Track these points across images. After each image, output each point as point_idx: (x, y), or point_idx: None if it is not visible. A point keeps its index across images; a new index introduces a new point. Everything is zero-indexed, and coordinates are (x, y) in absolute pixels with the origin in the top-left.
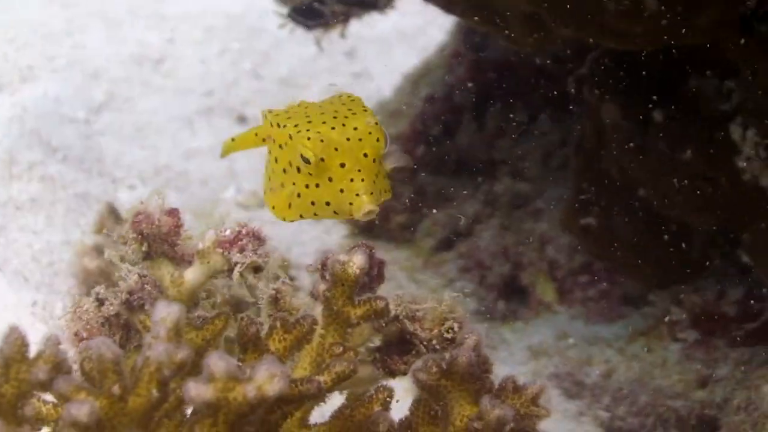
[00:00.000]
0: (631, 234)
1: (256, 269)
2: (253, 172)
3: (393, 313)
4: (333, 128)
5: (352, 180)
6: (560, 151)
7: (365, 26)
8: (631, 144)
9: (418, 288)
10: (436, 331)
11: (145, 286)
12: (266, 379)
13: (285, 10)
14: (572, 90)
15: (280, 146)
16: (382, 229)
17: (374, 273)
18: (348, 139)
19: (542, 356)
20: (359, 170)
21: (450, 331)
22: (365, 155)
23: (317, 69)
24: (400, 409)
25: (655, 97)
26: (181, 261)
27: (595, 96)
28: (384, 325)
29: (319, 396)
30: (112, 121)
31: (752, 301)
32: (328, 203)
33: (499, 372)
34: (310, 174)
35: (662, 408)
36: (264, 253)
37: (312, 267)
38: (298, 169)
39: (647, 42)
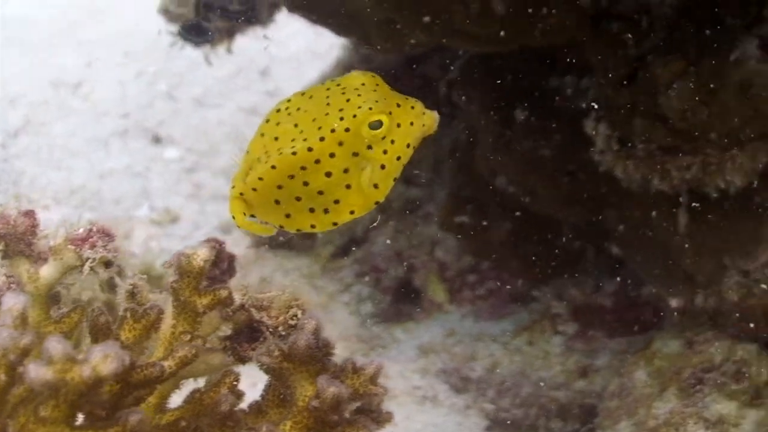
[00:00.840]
0: (504, 231)
1: (107, 264)
2: (166, 191)
3: (240, 302)
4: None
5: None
6: (450, 156)
7: (280, 47)
8: (498, 143)
9: (317, 294)
10: (281, 318)
11: (11, 285)
12: (100, 360)
13: (175, 28)
14: (444, 93)
15: (332, 155)
16: (284, 238)
17: (225, 266)
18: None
19: (431, 353)
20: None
21: (294, 317)
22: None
23: (232, 88)
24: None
25: (517, 98)
26: (38, 259)
27: (464, 99)
28: (232, 314)
29: (162, 378)
30: (29, 145)
31: (627, 292)
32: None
33: (390, 370)
34: (383, 138)
35: (544, 398)
36: (114, 248)
37: (167, 263)
38: (370, 147)
39: (497, 44)
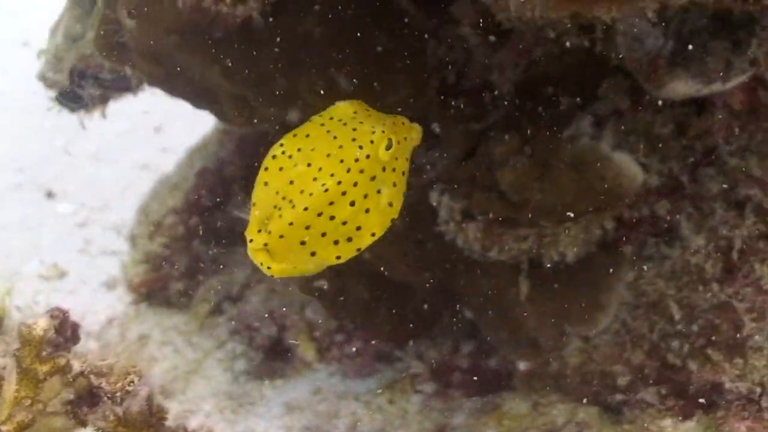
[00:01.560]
0: (362, 294)
1: None
2: (56, 245)
3: (80, 369)
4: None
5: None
6: None
7: (175, 104)
8: None
9: (194, 350)
10: (119, 384)
11: None
12: None
13: (53, 94)
14: None
15: (355, 184)
16: (162, 296)
17: (68, 334)
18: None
19: (296, 411)
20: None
21: (131, 383)
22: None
23: (127, 144)
24: None
25: None
26: None
27: None
28: (72, 380)
29: None
30: None
31: (482, 353)
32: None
33: (257, 428)
34: (397, 159)
35: None
36: None
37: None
38: (384, 168)
39: None
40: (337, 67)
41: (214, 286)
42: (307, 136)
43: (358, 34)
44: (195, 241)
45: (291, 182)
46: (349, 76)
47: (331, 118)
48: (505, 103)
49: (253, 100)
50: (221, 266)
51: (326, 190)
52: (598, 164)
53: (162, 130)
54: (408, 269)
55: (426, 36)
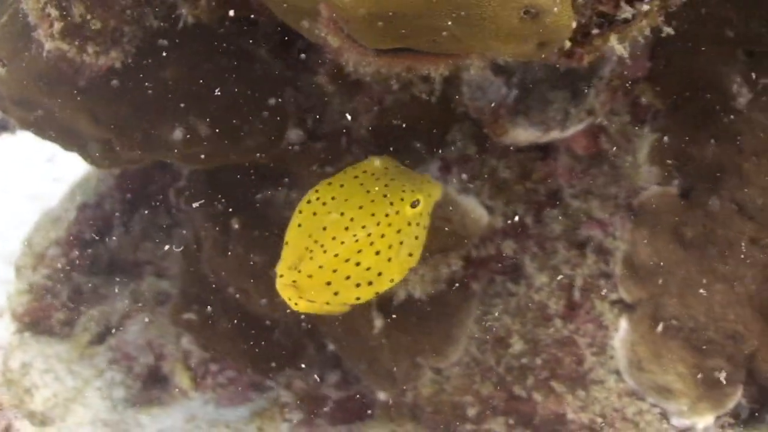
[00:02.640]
0: (228, 327)
1: None
2: None
3: None
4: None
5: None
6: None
7: None
8: (217, 248)
9: (74, 379)
10: None
11: None
12: None
13: None
14: (174, 201)
15: (382, 236)
16: (45, 325)
17: None
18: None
19: None
20: None
21: None
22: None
23: (19, 174)
24: None
25: (235, 207)
26: None
27: (190, 206)
28: None
29: None
30: None
31: (347, 384)
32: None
33: None
34: (420, 214)
35: None
36: None
37: None
38: (409, 223)
39: (205, 162)
40: (196, 114)
41: (95, 316)
42: (342, 186)
43: (217, 82)
44: (76, 272)
45: (324, 228)
46: (208, 122)
47: (365, 172)
48: (360, 147)
49: (117, 145)
50: (101, 297)
51: (356, 240)
52: (445, 207)
53: (54, 160)
54: (268, 303)
55: (283, 84)
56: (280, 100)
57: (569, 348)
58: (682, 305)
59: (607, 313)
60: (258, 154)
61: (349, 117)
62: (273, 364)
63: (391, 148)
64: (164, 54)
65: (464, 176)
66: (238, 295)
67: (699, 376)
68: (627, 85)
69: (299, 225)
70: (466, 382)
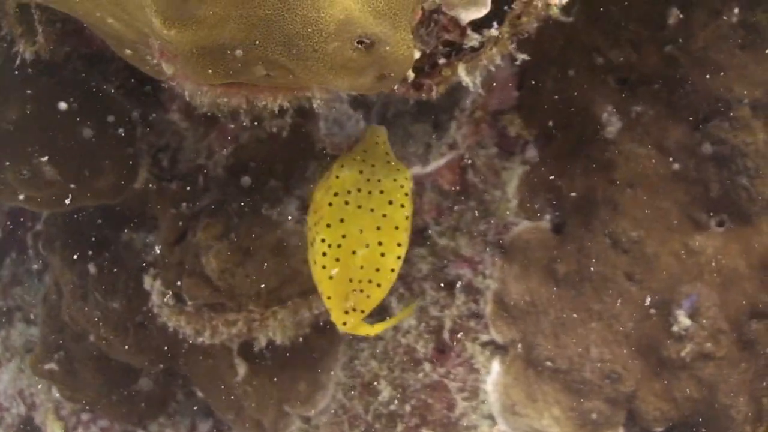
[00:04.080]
0: (92, 376)
1: None
2: None
3: None
4: None
5: None
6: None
7: None
8: (76, 294)
9: None
10: None
11: None
12: None
13: None
14: (32, 245)
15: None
16: None
17: None
18: None
19: None
20: None
21: None
22: None
23: None
24: None
25: (93, 251)
26: None
27: (48, 251)
28: None
29: None
30: None
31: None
32: None
33: None
34: None
35: None
36: None
37: None
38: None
39: (54, 206)
40: (41, 156)
41: None
42: (342, 221)
43: (64, 122)
44: None
45: (361, 267)
46: (55, 163)
47: (349, 192)
48: (216, 186)
49: None
50: None
51: (399, 258)
52: (303, 248)
53: None
54: (128, 351)
55: (134, 122)
56: (131, 138)
57: (439, 393)
58: (556, 345)
59: (479, 355)
60: (111, 196)
61: (205, 155)
62: (142, 413)
63: (245, 188)
64: (7, 97)
65: None
66: (100, 344)
67: (576, 418)
68: (493, 116)
69: (330, 278)
70: (334, 431)
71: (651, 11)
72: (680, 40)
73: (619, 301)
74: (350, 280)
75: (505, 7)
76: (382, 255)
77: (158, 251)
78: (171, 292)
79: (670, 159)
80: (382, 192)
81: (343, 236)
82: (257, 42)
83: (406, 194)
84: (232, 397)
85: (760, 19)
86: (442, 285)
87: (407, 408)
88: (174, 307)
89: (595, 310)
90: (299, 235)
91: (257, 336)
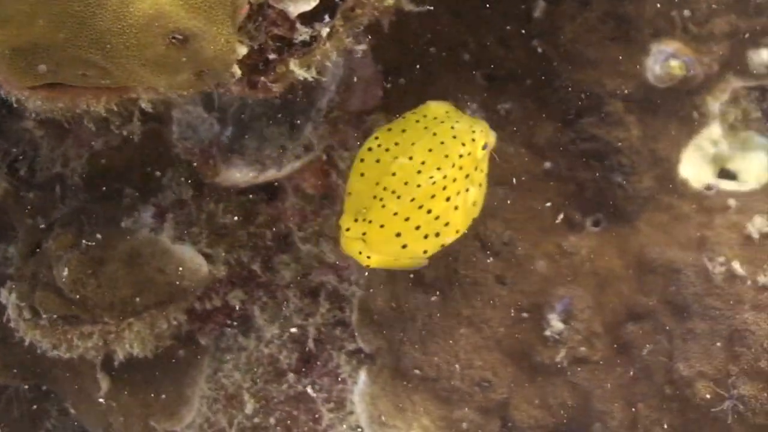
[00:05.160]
0: None
1: None
2: None
3: None
4: None
5: None
6: None
7: None
8: None
9: None
10: None
11: None
12: None
13: None
14: None
15: (454, 180)
16: None
17: None
18: None
19: None
20: None
21: None
22: None
23: None
24: None
25: None
26: None
27: None
28: None
29: None
30: None
31: None
32: None
33: None
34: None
35: None
36: None
37: None
38: (476, 168)
39: None
40: None
41: None
42: (404, 131)
43: None
44: None
45: (393, 174)
46: None
47: (425, 116)
48: (73, 195)
49: None
50: None
51: (433, 183)
52: (158, 257)
53: None
54: None
55: None
56: None
57: (305, 404)
58: (423, 353)
59: (345, 365)
60: None
61: (61, 163)
62: None
63: (100, 196)
64: None
65: (180, 223)
66: None
67: (446, 428)
68: (358, 116)
69: (362, 174)
70: None
71: (518, 3)
72: (548, 34)
73: (489, 305)
74: (377, 183)
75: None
76: (418, 172)
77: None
78: (27, 306)
79: (541, 158)
80: (452, 127)
81: (396, 143)
82: (69, 40)
83: (473, 139)
84: (99, 413)
85: (629, 10)
86: (306, 292)
87: (272, 420)
88: (30, 321)
89: (464, 315)
90: (154, 245)
91: (115, 349)
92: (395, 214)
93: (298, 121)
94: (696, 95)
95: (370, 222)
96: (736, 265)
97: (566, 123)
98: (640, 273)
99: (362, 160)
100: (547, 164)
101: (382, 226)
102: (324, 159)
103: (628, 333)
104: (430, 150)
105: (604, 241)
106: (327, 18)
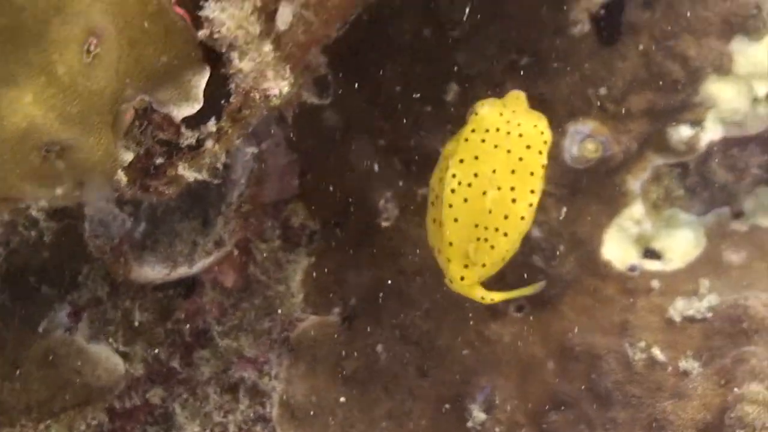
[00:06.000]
0: None
1: None
2: None
3: None
4: None
5: None
6: None
7: None
8: None
9: None
10: None
11: None
12: None
13: None
14: None
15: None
16: None
17: None
18: None
19: None
20: None
21: None
22: None
23: None
24: None
25: None
26: None
27: None
28: None
29: None
30: None
31: None
32: None
33: None
34: None
35: None
36: None
37: None
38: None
39: None
40: None
41: None
42: (476, 158)
43: None
44: None
45: (489, 212)
46: None
47: (487, 130)
48: None
49: None
50: None
51: (531, 206)
52: (73, 358)
53: None
54: None
55: None
56: None
57: None
58: None
59: None
60: None
61: None
62: None
63: (18, 296)
64: None
65: (95, 322)
66: None
67: None
68: (275, 206)
69: (455, 220)
70: None
71: (431, 87)
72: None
73: (410, 397)
74: (476, 226)
75: (223, 101)
76: (513, 201)
77: None
78: None
79: None
80: (520, 135)
81: (475, 175)
82: None
83: (545, 142)
84: None
85: (544, 90)
86: (226, 388)
87: None
88: None
89: (385, 408)
90: (69, 345)
91: None
92: (507, 250)
93: (211, 215)
94: (616, 174)
95: (483, 266)
96: (657, 351)
97: None
98: (563, 360)
99: (450, 206)
100: None
101: (494, 265)
102: (236, 254)
103: (551, 422)
104: (513, 172)
105: (527, 327)
106: (213, 120)
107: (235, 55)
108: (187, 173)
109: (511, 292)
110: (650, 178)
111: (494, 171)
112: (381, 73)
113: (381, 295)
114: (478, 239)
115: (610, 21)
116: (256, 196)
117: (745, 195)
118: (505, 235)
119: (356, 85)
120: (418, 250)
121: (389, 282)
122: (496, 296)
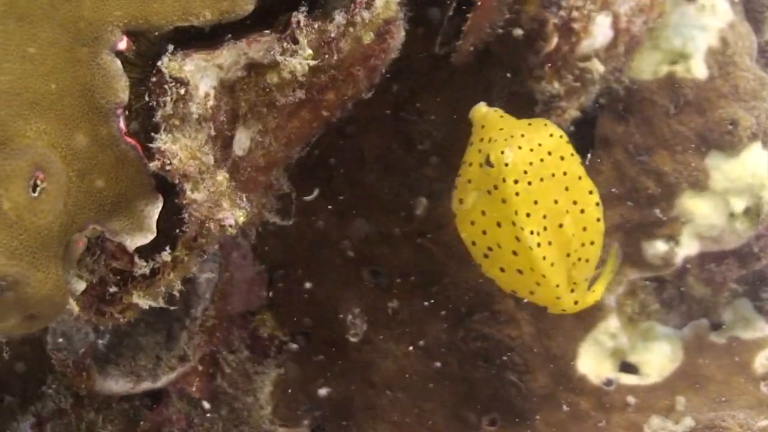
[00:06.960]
0: None
1: None
2: None
3: None
4: None
5: None
6: None
7: None
8: None
9: None
10: None
11: None
12: None
13: None
14: None
15: None
16: None
17: None
18: None
19: None
20: None
21: None
22: None
23: None
24: None
25: None
26: None
27: None
28: None
29: None
30: None
31: None
32: None
33: None
34: None
35: None
36: None
37: None
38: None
39: None
40: None
41: None
42: (536, 203)
43: None
44: None
45: (573, 235)
46: None
47: (525, 172)
48: None
49: None
50: None
51: (598, 204)
52: None
53: None
54: None
55: None
56: None
57: None
58: None
59: None
60: None
61: None
62: None
63: None
64: None
65: None
66: None
67: None
68: (243, 317)
69: (552, 264)
70: None
71: (398, 201)
72: (431, 231)
73: None
74: (567, 255)
75: (178, 231)
76: (582, 212)
77: None
78: None
79: (431, 357)
80: (550, 153)
81: (544, 216)
82: None
83: (562, 137)
84: None
85: None
86: None
87: None
88: None
89: None
90: None
91: None
92: (598, 252)
93: (175, 329)
94: None
95: (585, 280)
96: None
97: (456, 321)
98: None
99: (544, 258)
100: (437, 364)
101: (587, 279)
102: (201, 368)
103: None
104: (567, 189)
105: None
106: (168, 249)
107: (188, 186)
108: (142, 302)
109: (604, 274)
110: (625, 292)
111: (556, 201)
112: (349, 188)
113: (351, 407)
114: (574, 264)
115: (581, 136)
116: (222, 308)
117: (724, 307)
118: (592, 243)
119: (322, 201)
120: (389, 364)
121: (359, 395)
122: (599, 288)
